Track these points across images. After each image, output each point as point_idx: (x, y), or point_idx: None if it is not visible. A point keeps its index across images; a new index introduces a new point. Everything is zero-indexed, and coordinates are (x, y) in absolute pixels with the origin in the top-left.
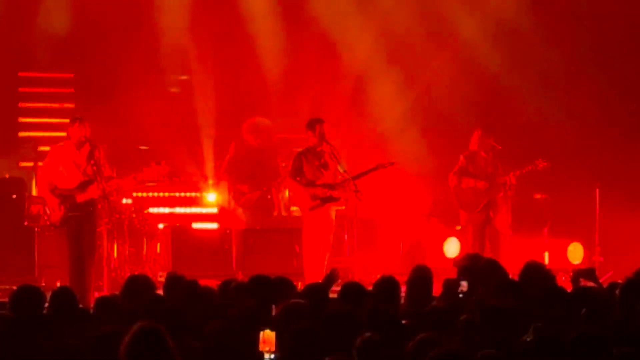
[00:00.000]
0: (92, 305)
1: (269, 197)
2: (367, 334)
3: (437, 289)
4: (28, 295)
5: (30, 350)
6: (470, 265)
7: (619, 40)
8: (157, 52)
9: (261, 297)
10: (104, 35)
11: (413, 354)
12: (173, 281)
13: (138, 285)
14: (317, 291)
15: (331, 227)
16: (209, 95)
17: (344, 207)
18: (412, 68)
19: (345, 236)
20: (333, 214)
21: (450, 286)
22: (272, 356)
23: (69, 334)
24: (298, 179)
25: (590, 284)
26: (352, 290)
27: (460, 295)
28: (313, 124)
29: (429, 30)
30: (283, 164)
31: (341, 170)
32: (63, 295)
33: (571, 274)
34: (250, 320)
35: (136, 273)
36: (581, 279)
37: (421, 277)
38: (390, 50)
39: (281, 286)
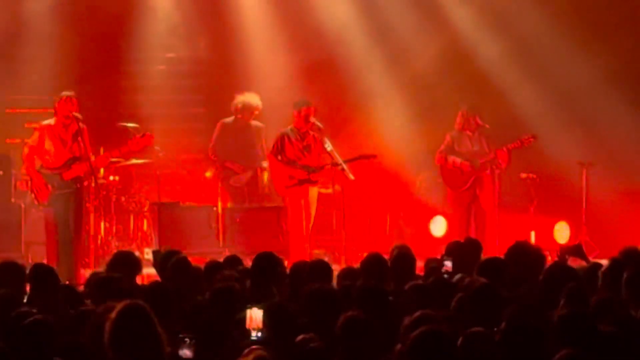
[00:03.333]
0: (79, 281)
1: (257, 175)
2: (350, 312)
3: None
4: (9, 272)
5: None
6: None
7: (607, 13)
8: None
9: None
10: (92, 12)
11: (408, 330)
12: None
13: (124, 261)
14: (301, 270)
15: (310, 206)
16: (198, 72)
17: (330, 191)
18: (397, 48)
19: (333, 215)
20: (314, 193)
21: (434, 266)
22: (260, 334)
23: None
24: (279, 157)
25: (579, 261)
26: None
27: (445, 276)
28: (299, 105)
29: (414, 11)
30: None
31: (329, 149)
32: (42, 272)
33: (557, 252)
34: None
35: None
36: (569, 256)
37: (402, 255)
38: (377, 31)
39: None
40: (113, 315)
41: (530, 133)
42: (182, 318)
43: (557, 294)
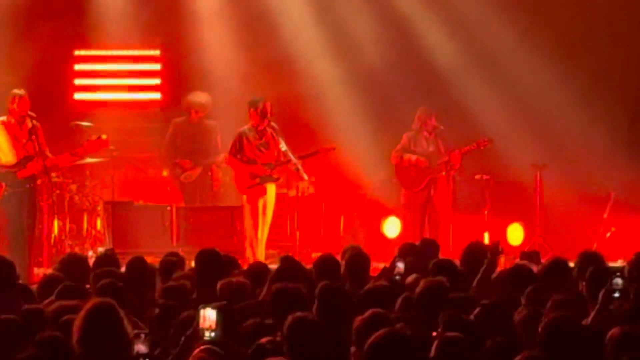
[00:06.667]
0: (31, 280)
1: (209, 173)
2: (299, 313)
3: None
4: None
5: None
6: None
7: (563, 17)
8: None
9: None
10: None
11: (362, 330)
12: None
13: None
14: (260, 270)
15: (268, 207)
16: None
17: (286, 191)
18: (355, 49)
19: (286, 216)
20: (272, 193)
21: (387, 270)
22: (213, 334)
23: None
24: (239, 156)
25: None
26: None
27: (397, 277)
28: (255, 102)
29: (369, 8)
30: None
31: (283, 149)
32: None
33: (514, 255)
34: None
35: (75, 249)
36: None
37: (356, 256)
38: (332, 31)
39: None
40: (83, 312)
41: (487, 136)
42: (135, 316)
43: (518, 295)
